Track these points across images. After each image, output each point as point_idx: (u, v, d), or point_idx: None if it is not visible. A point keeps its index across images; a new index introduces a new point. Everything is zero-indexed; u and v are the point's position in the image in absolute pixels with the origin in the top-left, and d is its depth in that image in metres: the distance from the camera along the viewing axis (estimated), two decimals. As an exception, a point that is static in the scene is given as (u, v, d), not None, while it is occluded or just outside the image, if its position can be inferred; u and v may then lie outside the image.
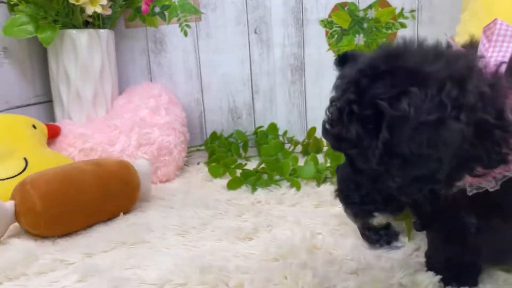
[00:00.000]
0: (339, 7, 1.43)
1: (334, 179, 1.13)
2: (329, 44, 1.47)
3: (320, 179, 1.15)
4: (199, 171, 1.36)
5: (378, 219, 0.59)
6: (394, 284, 0.62)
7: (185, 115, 1.46)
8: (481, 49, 0.55)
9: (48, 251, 0.80)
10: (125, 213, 1.00)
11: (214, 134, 1.57)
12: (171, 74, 1.58)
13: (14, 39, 1.28)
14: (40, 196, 0.85)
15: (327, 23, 1.45)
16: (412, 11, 1.39)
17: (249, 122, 1.58)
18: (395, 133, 0.46)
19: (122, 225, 0.93)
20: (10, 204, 0.86)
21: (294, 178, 1.13)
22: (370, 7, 1.41)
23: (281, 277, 0.64)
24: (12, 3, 1.27)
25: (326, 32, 1.46)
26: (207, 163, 1.41)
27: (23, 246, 0.83)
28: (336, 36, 1.45)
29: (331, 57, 1.47)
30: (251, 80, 1.54)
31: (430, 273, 0.63)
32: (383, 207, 0.56)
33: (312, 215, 0.91)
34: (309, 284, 0.62)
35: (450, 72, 0.48)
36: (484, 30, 0.56)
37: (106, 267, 0.73)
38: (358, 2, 1.42)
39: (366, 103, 0.49)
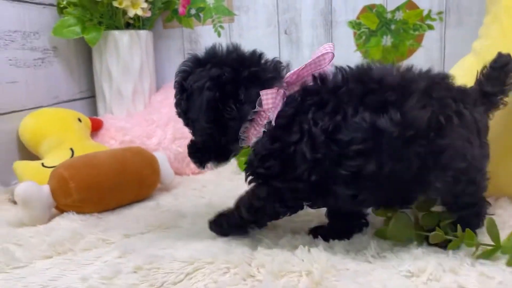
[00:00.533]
0: (367, 9, 1.47)
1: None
2: (357, 45, 1.51)
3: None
4: (229, 164, 1.42)
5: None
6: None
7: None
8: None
9: (92, 231, 0.89)
10: (149, 196, 1.11)
11: (244, 130, 1.63)
12: (205, 72, 1.66)
13: (63, 39, 1.40)
14: (70, 176, 0.97)
15: (355, 25, 1.49)
16: (440, 13, 1.41)
17: (278, 119, 1.64)
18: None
19: (157, 211, 1.02)
20: (46, 187, 0.97)
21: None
22: (397, 9, 1.44)
23: (299, 259, 0.70)
24: (61, 6, 1.39)
25: (354, 33, 1.50)
26: (237, 157, 1.49)
27: (69, 226, 0.93)
28: (364, 37, 1.49)
29: (358, 57, 1.51)
30: (281, 79, 1.60)
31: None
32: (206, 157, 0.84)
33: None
34: (323, 266, 0.68)
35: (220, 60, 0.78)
36: None
37: (142, 246, 0.82)
38: (386, 4, 1.45)
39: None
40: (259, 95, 0.73)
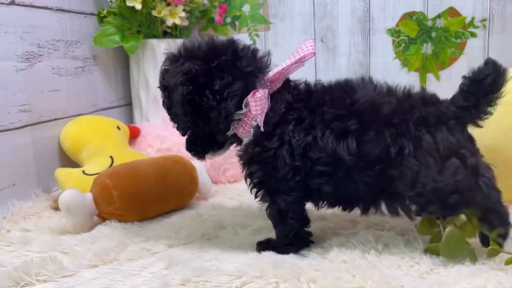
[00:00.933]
0: (407, 16, 1.45)
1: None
2: (396, 53, 1.48)
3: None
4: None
5: None
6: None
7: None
8: None
9: (135, 241, 0.89)
10: (188, 205, 1.11)
11: (278, 138, 1.62)
12: (239, 80, 1.66)
13: (101, 48, 1.42)
14: (113, 184, 0.98)
15: (394, 32, 1.47)
16: (483, 20, 1.37)
17: (313, 128, 1.62)
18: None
19: (196, 221, 1.01)
20: (89, 195, 0.98)
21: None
22: (439, 16, 1.41)
23: (350, 275, 0.68)
24: (101, 15, 1.41)
25: (393, 41, 1.48)
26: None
27: (112, 235, 0.94)
28: (403, 45, 1.46)
29: (397, 65, 1.48)
30: (316, 87, 1.58)
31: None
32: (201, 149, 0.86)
33: (378, 221, 0.94)
34: (376, 283, 0.65)
35: (191, 53, 0.79)
36: None
37: (187, 258, 0.81)
38: (427, 11, 1.42)
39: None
40: (241, 89, 0.76)
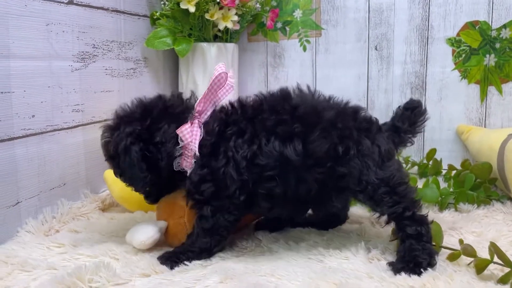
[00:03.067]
0: (469, 25, 1.37)
1: (459, 206, 1.09)
2: (455, 64, 1.41)
3: (443, 204, 1.10)
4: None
5: None
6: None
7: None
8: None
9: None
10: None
11: (325, 148, 1.58)
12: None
13: (152, 50, 1.41)
14: (189, 220, 0.89)
15: (454, 42, 1.40)
16: (555, 31, 1.28)
17: (362, 139, 1.56)
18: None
19: (249, 233, 0.98)
20: (164, 224, 0.91)
21: (415, 200, 1.10)
22: (504, 26, 1.33)
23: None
24: (154, 17, 1.40)
25: (453, 51, 1.40)
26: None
27: (164, 246, 0.91)
28: (463, 55, 1.39)
29: (456, 77, 1.41)
30: (367, 96, 1.53)
31: None
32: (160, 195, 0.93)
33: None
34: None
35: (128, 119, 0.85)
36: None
37: (241, 271, 0.77)
38: (491, 21, 1.35)
39: None
40: (176, 129, 0.82)
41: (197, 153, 0.81)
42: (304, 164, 0.79)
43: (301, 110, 0.81)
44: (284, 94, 0.84)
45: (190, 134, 0.82)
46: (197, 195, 0.82)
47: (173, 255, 0.83)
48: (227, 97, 0.87)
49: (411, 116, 0.90)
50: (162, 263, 0.81)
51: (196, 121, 0.83)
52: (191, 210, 0.86)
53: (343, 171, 0.80)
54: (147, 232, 0.86)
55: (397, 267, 0.76)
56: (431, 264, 0.76)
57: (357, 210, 1.11)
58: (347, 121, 0.82)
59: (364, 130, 0.83)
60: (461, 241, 0.79)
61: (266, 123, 0.80)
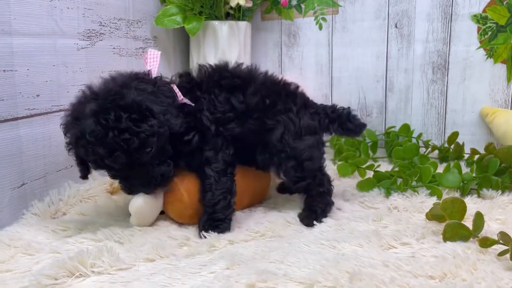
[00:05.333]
0: (496, 1, 1.29)
1: (482, 192, 1.03)
2: (481, 42, 1.33)
3: (465, 190, 1.04)
4: (326, 168, 1.33)
5: None
6: None
7: (314, 110, 1.44)
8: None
9: (191, 236, 0.83)
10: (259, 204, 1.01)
11: (341, 131, 1.52)
12: (301, 67, 1.56)
13: (162, 29, 1.36)
14: (186, 188, 0.89)
15: (480, 19, 1.32)
16: None
17: (379, 121, 1.50)
18: None
19: (259, 217, 0.94)
20: (160, 194, 0.90)
21: (435, 185, 1.05)
22: (535, 0, 1.25)
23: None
24: (164, -6, 1.35)
25: (478, 29, 1.32)
26: (334, 161, 1.38)
27: (170, 227, 0.88)
28: (490, 33, 1.31)
29: (481, 56, 1.33)
30: (386, 76, 1.46)
31: None
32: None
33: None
34: None
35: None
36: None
37: (249, 257, 0.74)
38: (521, -5, 1.26)
39: None
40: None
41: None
42: (245, 112, 0.91)
43: (239, 71, 0.95)
44: (222, 64, 0.96)
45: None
46: (188, 146, 0.87)
47: (211, 221, 0.86)
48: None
49: (344, 124, 1.00)
50: (205, 230, 0.84)
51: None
52: (187, 178, 0.90)
53: (271, 124, 0.91)
54: (134, 200, 0.87)
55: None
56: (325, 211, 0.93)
57: (373, 195, 1.06)
58: (277, 84, 0.97)
59: (290, 96, 0.95)
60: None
61: (213, 79, 0.92)
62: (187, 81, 0.93)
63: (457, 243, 0.76)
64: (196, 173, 0.90)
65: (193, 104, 0.88)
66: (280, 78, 1.00)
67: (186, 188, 0.89)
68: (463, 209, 0.81)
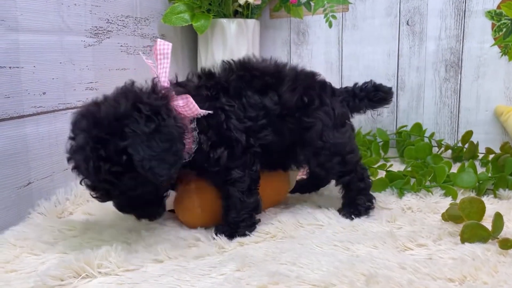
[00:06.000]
0: (511, -4, 1.26)
1: (498, 192, 1.00)
2: (495, 39, 1.30)
3: (481, 190, 1.01)
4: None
5: None
6: None
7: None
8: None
9: (205, 235, 0.81)
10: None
11: (351, 130, 1.49)
12: (310, 66, 1.54)
13: (170, 27, 1.35)
14: (201, 204, 0.85)
15: (494, 15, 1.28)
16: None
17: (390, 121, 1.47)
18: None
19: (270, 218, 0.92)
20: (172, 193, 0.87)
21: (450, 186, 1.02)
22: (552, -4, 1.22)
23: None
24: (171, -8, 1.34)
25: (493, 25, 1.29)
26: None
27: (179, 227, 0.86)
28: (504, 29, 1.28)
29: (495, 53, 1.30)
30: (397, 75, 1.44)
31: None
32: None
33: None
34: None
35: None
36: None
37: (260, 259, 0.71)
38: (537, -10, 1.23)
39: None
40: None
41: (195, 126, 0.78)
42: (280, 114, 0.84)
43: (266, 68, 0.86)
44: (245, 59, 0.87)
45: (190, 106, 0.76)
46: (216, 166, 0.79)
47: (228, 228, 0.82)
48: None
49: (375, 95, 0.97)
50: (218, 233, 0.81)
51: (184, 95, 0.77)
52: (205, 193, 0.84)
53: (310, 122, 0.86)
54: None
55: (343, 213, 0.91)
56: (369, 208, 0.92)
57: (386, 195, 1.03)
58: (308, 77, 0.90)
59: (323, 89, 0.90)
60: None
61: (244, 79, 0.83)
62: (209, 85, 0.81)
63: (476, 245, 0.74)
64: (218, 189, 0.84)
65: (211, 112, 0.78)
66: (306, 69, 0.93)
67: (202, 203, 0.85)
68: (481, 209, 0.78)
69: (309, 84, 0.88)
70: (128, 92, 0.74)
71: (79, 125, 0.71)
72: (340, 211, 0.93)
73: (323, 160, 0.88)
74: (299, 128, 0.86)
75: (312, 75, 0.92)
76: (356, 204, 0.92)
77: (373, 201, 0.94)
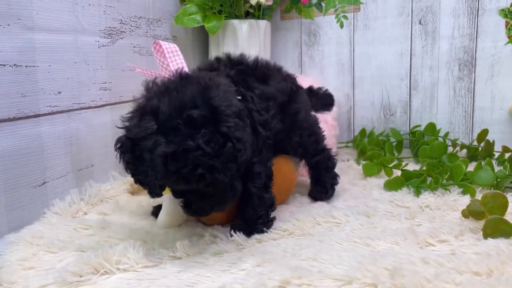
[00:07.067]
0: (525, -7, 1.25)
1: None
2: (509, 37, 1.29)
3: (499, 188, 1.00)
4: (350, 168, 1.30)
5: None
6: None
7: (336, 109, 1.40)
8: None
9: (219, 234, 0.80)
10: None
11: (363, 131, 1.48)
12: (322, 67, 1.53)
13: (182, 28, 1.35)
14: None
15: (508, 13, 1.27)
16: None
17: (403, 121, 1.46)
18: None
19: (286, 215, 0.91)
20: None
21: (467, 183, 1.00)
22: None
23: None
24: (183, -7, 1.34)
25: (506, 23, 1.28)
26: (357, 161, 1.34)
27: (196, 226, 0.86)
28: (519, 27, 1.27)
29: (510, 51, 1.29)
30: (410, 75, 1.43)
31: None
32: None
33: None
34: None
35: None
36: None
37: (279, 255, 0.70)
38: (552, -13, 1.22)
39: None
40: None
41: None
42: (282, 101, 0.90)
43: (255, 61, 0.91)
44: (228, 55, 0.91)
45: None
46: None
47: (245, 225, 0.81)
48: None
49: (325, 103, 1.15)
50: (237, 230, 0.79)
51: None
52: None
53: (297, 107, 0.94)
54: (161, 214, 0.85)
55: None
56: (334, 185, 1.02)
57: (402, 194, 1.02)
58: (280, 69, 0.97)
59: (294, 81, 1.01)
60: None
61: (245, 72, 0.86)
62: (241, 71, 0.85)
63: (499, 240, 0.72)
64: None
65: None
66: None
67: None
68: (504, 204, 0.77)
69: (288, 74, 0.99)
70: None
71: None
72: (309, 193, 1.02)
73: (304, 140, 0.98)
74: (291, 113, 0.93)
75: (280, 68, 0.99)
76: (323, 181, 1.01)
77: (337, 178, 1.03)
